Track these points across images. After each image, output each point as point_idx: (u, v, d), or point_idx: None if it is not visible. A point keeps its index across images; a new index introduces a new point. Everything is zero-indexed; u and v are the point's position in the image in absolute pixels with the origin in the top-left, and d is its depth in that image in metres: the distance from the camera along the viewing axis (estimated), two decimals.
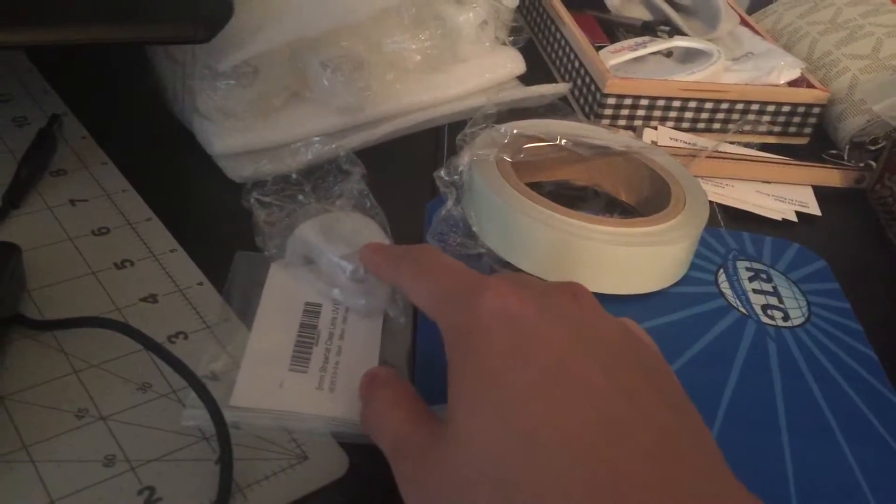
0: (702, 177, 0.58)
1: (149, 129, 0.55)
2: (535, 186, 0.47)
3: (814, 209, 0.59)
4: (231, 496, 0.33)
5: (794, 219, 0.57)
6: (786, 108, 0.64)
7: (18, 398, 0.35)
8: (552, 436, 0.27)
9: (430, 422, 0.31)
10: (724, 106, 0.63)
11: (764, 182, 0.60)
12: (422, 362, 0.40)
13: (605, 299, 0.44)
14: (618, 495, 0.25)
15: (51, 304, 0.40)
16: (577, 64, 0.65)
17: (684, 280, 0.48)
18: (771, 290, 0.48)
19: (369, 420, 0.34)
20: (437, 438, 0.30)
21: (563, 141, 0.50)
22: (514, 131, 0.49)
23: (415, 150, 0.58)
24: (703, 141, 0.62)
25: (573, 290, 0.33)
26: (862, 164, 0.62)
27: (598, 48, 0.66)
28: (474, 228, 0.46)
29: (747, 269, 0.50)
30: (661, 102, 0.62)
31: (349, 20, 0.51)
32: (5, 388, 0.35)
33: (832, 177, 0.61)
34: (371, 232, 0.43)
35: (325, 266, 0.42)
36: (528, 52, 0.63)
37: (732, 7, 0.73)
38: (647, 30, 0.71)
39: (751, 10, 0.81)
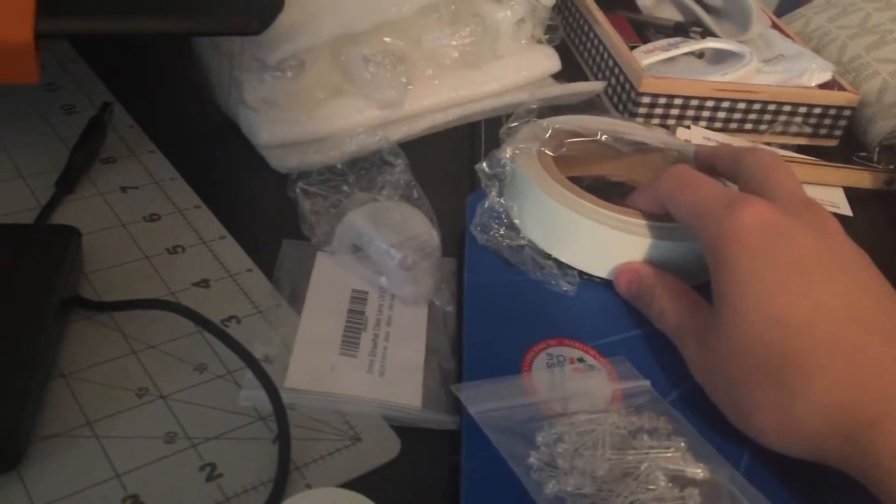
0: None
1: (194, 120, 0.56)
2: (573, 181, 0.48)
3: (845, 210, 0.59)
4: (289, 474, 0.34)
5: None
6: (817, 110, 0.64)
7: (81, 376, 0.36)
8: (801, 318, 0.34)
9: (702, 308, 0.40)
10: (756, 107, 0.63)
11: None
12: (468, 350, 0.41)
13: None
14: (859, 366, 0.33)
15: (107, 286, 0.41)
16: (611, 63, 0.66)
17: None
18: None
19: (655, 314, 0.42)
20: (711, 323, 0.37)
21: (604, 137, 0.51)
22: (556, 126, 0.50)
23: (451, 144, 0.59)
24: (736, 141, 0.63)
25: (822, 211, 0.38)
26: (892, 167, 0.63)
27: (631, 48, 0.66)
28: (516, 221, 0.47)
29: None
30: (694, 102, 0.63)
31: (392, 15, 0.52)
32: (68, 367, 0.36)
33: (862, 178, 0.62)
34: (418, 221, 0.44)
35: (374, 254, 0.43)
36: (560, 50, 0.64)
37: (763, 10, 0.74)
38: (679, 31, 0.71)
39: (778, 14, 0.82)
